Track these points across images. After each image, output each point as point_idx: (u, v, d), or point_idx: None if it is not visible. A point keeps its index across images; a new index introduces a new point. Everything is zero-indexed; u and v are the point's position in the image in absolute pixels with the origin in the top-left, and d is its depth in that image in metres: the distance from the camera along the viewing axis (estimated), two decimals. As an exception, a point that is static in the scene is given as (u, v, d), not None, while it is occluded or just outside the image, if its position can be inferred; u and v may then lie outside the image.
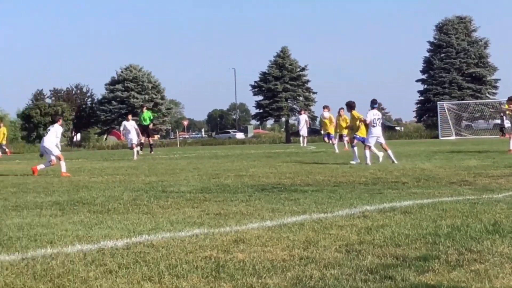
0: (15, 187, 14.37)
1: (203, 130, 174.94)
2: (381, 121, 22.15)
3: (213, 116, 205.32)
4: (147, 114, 34.84)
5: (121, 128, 32.34)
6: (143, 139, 32.95)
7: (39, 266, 5.83)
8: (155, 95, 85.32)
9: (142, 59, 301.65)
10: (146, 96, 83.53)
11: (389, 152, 20.92)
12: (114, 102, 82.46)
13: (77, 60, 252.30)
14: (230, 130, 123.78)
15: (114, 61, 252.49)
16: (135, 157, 29.66)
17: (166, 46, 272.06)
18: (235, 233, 7.41)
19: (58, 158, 20.04)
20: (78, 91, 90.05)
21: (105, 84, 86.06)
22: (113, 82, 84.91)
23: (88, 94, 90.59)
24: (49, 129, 20.86)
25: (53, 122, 22.57)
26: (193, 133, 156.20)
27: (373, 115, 21.48)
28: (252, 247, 6.60)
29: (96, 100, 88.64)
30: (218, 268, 5.67)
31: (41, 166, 20.24)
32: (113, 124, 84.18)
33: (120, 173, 18.91)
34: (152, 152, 35.56)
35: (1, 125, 39.65)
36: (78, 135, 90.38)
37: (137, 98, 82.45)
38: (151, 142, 36.35)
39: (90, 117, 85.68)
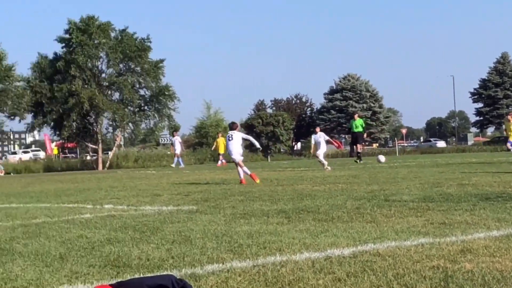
0: (242, 195, 14.87)
1: (421, 138, 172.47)
2: None
3: (432, 124, 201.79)
4: (359, 122, 35.16)
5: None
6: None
7: (270, 273, 6.00)
8: (373, 103, 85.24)
9: (360, 68, 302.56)
10: (364, 105, 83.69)
11: None
12: (333, 111, 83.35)
13: (297, 71, 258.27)
14: (431, 139, 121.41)
15: (332, 71, 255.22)
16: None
17: (381, 55, 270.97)
18: (461, 243, 7.24)
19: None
20: (298, 101, 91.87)
21: (324, 94, 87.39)
22: (332, 92, 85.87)
23: (308, 104, 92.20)
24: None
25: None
26: (412, 141, 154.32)
27: None
28: (480, 257, 6.43)
29: (315, 110, 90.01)
30: (447, 278, 5.58)
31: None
32: (332, 133, 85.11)
33: (341, 182, 19.05)
34: (361, 161, 35.36)
35: (219, 135, 41.94)
36: (299, 144, 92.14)
37: (355, 107, 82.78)
38: (359, 151, 36.14)
39: (309, 126, 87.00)
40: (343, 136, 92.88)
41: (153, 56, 65.00)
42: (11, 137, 74.06)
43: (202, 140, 79.46)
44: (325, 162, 28.68)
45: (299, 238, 8.07)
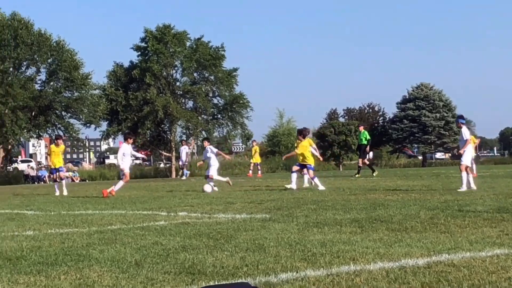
0: (315, 204, 14.87)
1: (495, 148, 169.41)
2: None
3: (505, 135, 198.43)
4: (362, 134, 34.13)
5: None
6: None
7: (344, 283, 6.02)
8: (446, 113, 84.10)
9: (433, 77, 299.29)
10: (437, 115, 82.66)
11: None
12: (405, 121, 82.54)
13: (370, 80, 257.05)
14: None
15: (405, 80, 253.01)
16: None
17: (454, 63, 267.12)
18: (538, 255, 7.16)
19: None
20: (370, 110, 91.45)
21: (397, 103, 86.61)
22: (405, 101, 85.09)
23: (380, 113, 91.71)
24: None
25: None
26: (485, 152, 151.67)
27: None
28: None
29: (387, 119, 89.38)
30: (523, 290, 5.53)
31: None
32: (405, 142, 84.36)
33: (414, 191, 18.89)
34: (357, 175, 33.43)
35: (254, 144, 41.71)
36: (371, 154, 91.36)
37: (428, 117, 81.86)
38: (360, 164, 34.76)
39: (382, 136, 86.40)
40: (416, 146, 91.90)
41: (227, 64, 65.55)
42: (86, 144, 75.30)
43: (275, 148, 79.62)
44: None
45: (372, 247, 8.06)
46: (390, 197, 16.67)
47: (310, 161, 22.34)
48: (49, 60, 57.40)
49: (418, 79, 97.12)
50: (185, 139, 56.61)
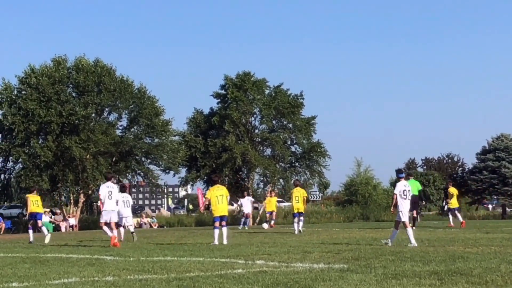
0: (393, 255, 14.72)
1: None
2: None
3: None
4: (411, 183, 32.83)
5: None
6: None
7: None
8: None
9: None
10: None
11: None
12: (485, 172, 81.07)
13: (449, 131, 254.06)
14: None
15: (485, 131, 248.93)
16: None
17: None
18: None
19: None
20: (449, 160, 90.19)
21: (476, 154, 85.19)
22: (484, 152, 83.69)
23: (459, 164, 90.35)
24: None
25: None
26: None
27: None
28: None
29: (467, 170, 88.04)
30: None
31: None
32: (484, 194, 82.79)
33: (494, 244, 18.51)
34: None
35: (273, 194, 40.73)
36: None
37: (508, 168, 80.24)
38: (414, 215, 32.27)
39: (461, 186, 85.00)
40: (495, 197, 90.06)
41: (305, 112, 65.81)
42: (165, 190, 76.24)
43: (352, 197, 79.10)
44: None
45: (452, 301, 7.96)
46: (470, 250, 16.38)
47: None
48: (130, 107, 58.54)
49: (499, 130, 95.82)
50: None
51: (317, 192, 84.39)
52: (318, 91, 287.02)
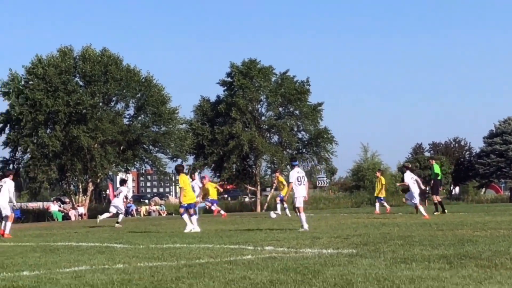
0: (402, 240, 14.75)
1: None
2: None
3: None
4: (434, 169, 32.80)
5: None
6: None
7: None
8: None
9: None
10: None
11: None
12: (492, 156, 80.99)
13: (456, 115, 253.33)
14: None
15: (492, 114, 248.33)
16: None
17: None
18: None
19: (6, 217, 20.99)
20: (456, 145, 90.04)
21: (483, 137, 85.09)
22: (491, 135, 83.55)
23: (466, 148, 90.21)
24: (1, 186, 21.87)
25: (3, 177, 23.28)
26: None
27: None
28: None
29: (474, 154, 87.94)
30: None
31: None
32: (491, 177, 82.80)
33: (503, 227, 18.53)
34: (436, 212, 30.51)
35: (378, 174, 38.37)
36: (457, 188, 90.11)
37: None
38: (435, 201, 31.78)
39: (468, 171, 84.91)
40: (503, 181, 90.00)
41: (311, 99, 65.75)
42: (173, 178, 76.33)
43: (359, 183, 79.11)
44: None
45: (462, 284, 8.00)
46: (478, 233, 16.41)
47: None
48: (137, 95, 58.53)
49: (506, 113, 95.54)
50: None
51: (325, 178, 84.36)
52: (324, 77, 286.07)
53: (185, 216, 21.84)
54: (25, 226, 36.90)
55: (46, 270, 11.07)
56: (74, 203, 56.81)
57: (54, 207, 53.25)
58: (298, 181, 20.52)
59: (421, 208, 26.92)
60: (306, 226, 19.94)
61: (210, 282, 9.00)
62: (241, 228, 23.07)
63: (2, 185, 21.95)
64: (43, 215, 54.25)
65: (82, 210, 55.32)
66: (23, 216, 52.98)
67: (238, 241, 16.33)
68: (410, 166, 32.36)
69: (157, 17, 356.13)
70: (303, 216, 20.23)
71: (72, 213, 52.98)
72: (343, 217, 30.71)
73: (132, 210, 57.01)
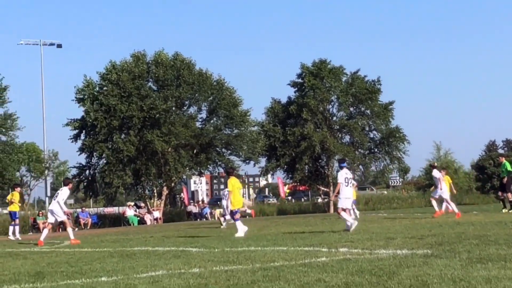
0: (477, 239, 14.59)
1: None
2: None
3: None
4: (504, 166, 31.63)
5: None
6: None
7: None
8: None
9: None
10: None
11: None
12: None
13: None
14: None
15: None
16: None
17: None
18: None
19: (64, 224, 20.94)
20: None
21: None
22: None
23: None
24: (58, 193, 22.47)
25: (65, 185, 23.56)
26: None
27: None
28: None
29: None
30: None
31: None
32: None
33: None
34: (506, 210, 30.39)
35: (443, 173, 36.09)
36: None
37: None
38: (510, 199, 31.17)
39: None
40: None
41: (382, 98, 65.26)
42: (246, 180, 76.88)
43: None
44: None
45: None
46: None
47: None
48: (209, 99, 59.00)
49: None
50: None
51: (397, 178, 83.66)
52: (395, 76, 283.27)
53: (238, 222, 22.00)
54: (102, 231, 37.62)
55: (123, 276, 11.31)
56: (149, 208, 57.58)
57: (129, 212, 54.04)
58: (346, 182, 20.78)
59: (433, 202, 27.51)
60: (351, 223, 20.30)
61: (286, 285, 9.09)
62: (315, 229, 23.11)
63: (58, 192, 22.84)
64: (119, 220, 55.13)
65: (157, 214, 56.10)
66: (99, 222, 53.96)
67: (312, 243, 16.38)
68: (436, 164, 32.73)
69: (228, 21, 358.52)
70: (346, 216, 20.60)
71: (147, 218, 53.76)
72: (417, 216, 30.47)
73: (206, 213, 57.54)
